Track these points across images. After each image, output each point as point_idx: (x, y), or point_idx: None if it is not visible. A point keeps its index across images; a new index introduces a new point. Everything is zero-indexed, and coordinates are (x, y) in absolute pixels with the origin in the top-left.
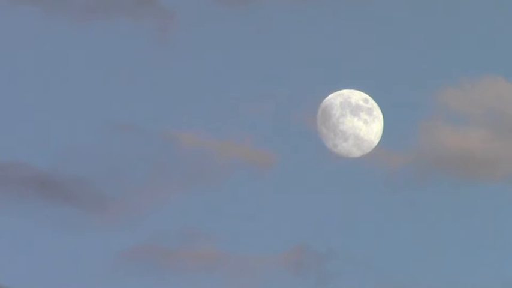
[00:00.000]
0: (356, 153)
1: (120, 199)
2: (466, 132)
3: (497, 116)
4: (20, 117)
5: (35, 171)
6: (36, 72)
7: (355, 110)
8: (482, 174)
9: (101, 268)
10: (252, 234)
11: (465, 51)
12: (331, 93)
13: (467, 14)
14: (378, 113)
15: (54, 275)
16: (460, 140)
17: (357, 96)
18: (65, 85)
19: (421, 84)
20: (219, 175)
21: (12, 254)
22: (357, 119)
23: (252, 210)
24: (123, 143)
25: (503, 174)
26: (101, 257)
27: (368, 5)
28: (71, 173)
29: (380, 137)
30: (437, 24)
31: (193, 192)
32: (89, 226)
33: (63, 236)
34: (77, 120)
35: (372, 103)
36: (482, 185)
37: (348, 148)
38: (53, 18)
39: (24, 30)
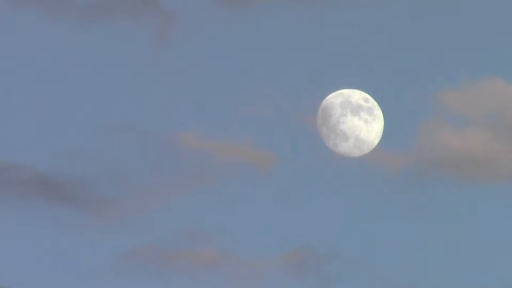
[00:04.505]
0: (356, 153)
1: (121, 200)
2: (466, 133)
3: (497, 117)
4: (21, 119)
5: (36, 173)
6: (36, 73)
7: (356, 110)
8: (482, 175)
9: (101, 269)
10: (253, 235)
11: (465, 52)
12: (331, 92)
13: (468, 15)
14: (378, 112)
15: (54, 276)
16: (460, 140)
17: (357, 95)
18: (65, 86)
19: (421, 85)
20: (220, 176)
21: (13, 254)
22: (358, 119)
23: (252, 211)
24: (124, 144)
25: (503, 175)
26: (102, 258)
27: (368, 5)
28: (71, 174)
29: (380, 137)
30: (437, 25)
31: (194, 193)
32: (90, 227)
33: (63, 237)
34: (78, 122)
35: (372, 102)
36: (482, 185)
37: (349, 148)
38: (54, 19)
39: (25, 31)
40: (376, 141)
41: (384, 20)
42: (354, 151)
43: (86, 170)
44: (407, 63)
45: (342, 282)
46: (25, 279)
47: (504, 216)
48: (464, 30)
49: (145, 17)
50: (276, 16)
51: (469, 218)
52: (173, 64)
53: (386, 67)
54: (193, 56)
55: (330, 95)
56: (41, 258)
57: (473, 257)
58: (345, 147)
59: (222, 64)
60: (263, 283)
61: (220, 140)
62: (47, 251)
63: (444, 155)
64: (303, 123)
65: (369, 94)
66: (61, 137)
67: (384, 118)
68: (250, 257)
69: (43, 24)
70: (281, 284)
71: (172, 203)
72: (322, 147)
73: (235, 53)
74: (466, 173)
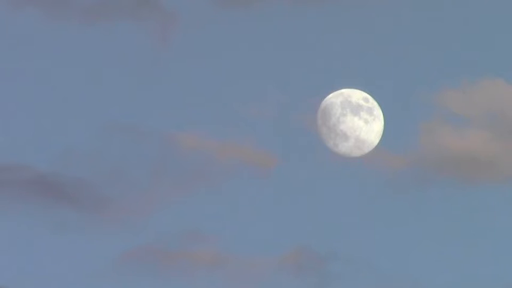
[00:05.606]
0: (357, 153)
1: (121, 201)
2: (466, 134)
3: (497, 117)
4: (21, 119)
5: (36, 173)
6: (37, 74)
7: (356, 110)
8: (482, 176)
9: (101, 270)
10: (252, 236)
11: (466, 52)
12: (331, 92)
13: (468, 16)
14: (378, 112)
15: (54, 276)
16: (460, 141)
17: (357, 95)
18: (65, 87)
19: (421, 85)
20: (220, 176)
21: (13, 254)
22: (358, 119)
23: (252, 211)
24: (124, 144)
25: (504, 175)
26: (102, 258)
27: (368, 5)
28: (71, 175)
29: (380, 137)
30: (437, 26)
31: (194, 193)
32: (90, 228)
33: (63, 238)
34: (78, 122)
35: (372, 102)
36: (482, 186)
37: (349, 148)
38: (54, 19)
39: (26, 32)
40: (376, 141)
41: (384, 20)
42: (355, 151)
43: (86, 170)
44: (407, 63)
45: (341, 282)
46: (25, 279)
47: (504, 216)
48: (465, 31)
49: (146, 17)
50: (276, 17)
51: (469, 218)
52: (173, 64)
53: (386, 67)
54: (193, 56)
55: (330, 95)
56: (40, 258)
57: (473, 257)
58: (345, 147)
59: (222, 64)
60: (263, 283)
61: (220, 140)
62: (46, 251)
63: (444, 155)
64: (303, 123)
65: (369, 94)
66: (61, 137)
67: (384, 118)
68: (250, 257)
69: (43, 24)
70: (280, 285)
71: (172, 204)
72: (322, 147)
73: (235, 53)
74: (466, 173)
